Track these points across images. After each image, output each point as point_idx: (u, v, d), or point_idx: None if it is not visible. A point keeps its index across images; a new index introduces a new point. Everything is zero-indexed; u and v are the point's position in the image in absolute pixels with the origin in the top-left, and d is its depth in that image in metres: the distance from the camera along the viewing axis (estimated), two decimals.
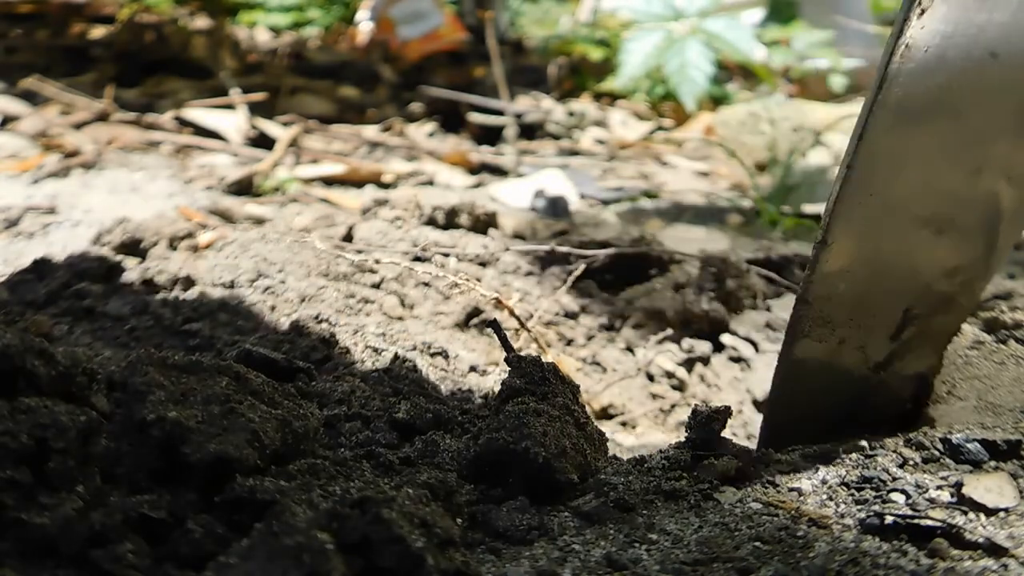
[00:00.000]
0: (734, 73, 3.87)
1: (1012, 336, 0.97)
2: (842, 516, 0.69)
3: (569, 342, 1.35)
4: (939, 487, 0.71)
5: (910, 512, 0.68)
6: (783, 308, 1.45)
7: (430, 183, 2.34)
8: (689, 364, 1.34)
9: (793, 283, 1.46)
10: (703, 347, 1.35)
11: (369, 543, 0.54)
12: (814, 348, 0.80)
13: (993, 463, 0.74)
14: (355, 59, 3.77)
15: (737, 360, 1.37)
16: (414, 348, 1.08)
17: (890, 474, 0.73)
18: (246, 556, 0.51)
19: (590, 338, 1.36)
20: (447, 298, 1.32)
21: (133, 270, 1.24)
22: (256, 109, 2.71)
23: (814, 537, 0.65)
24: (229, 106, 2.70)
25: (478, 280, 1.35)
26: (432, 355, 1.09)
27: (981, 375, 0.95)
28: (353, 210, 1.80)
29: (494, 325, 0.88)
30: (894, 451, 0.76)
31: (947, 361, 1.01)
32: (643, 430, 1.20)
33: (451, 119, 3.11)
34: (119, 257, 1.30)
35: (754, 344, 1.39)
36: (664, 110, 3.66)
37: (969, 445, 0.75)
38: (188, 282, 1.19)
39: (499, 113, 2.98)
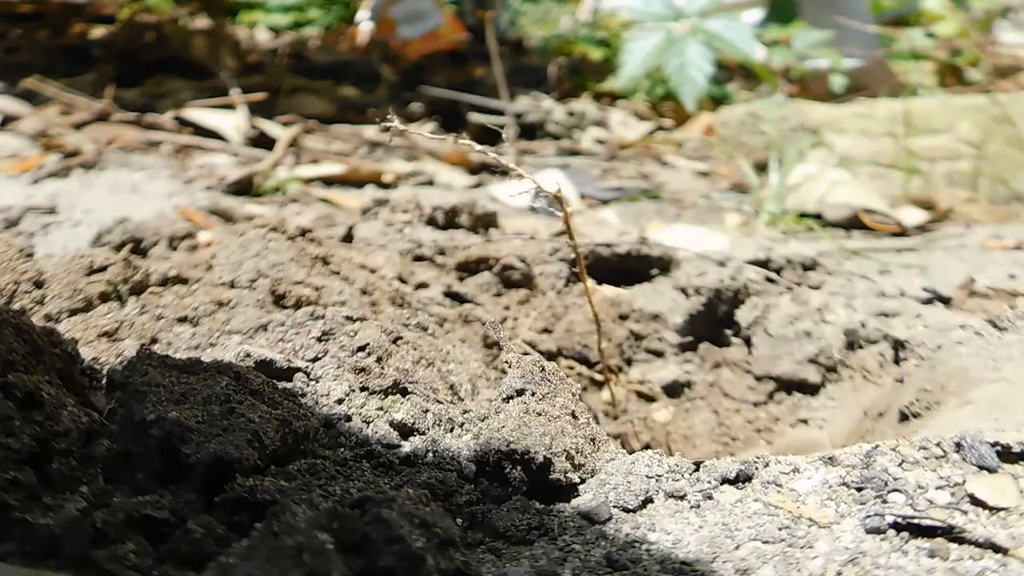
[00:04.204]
0: (734, 73, 3.88)
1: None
2: (842, 516, 0.69)
3: None
4: (939, 487, 0.71)
5: (910, 512, 0.68)
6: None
7: (430, 183, 2.34)
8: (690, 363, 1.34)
9: (793, 283, 1.46)
10: (703, 347, 1.35)
11: (369, 543, 0.54)
12: None
13: (997, 464, 0.74)
14: (355, 59, 3.77)
15: None
16: (414, 347, 1.08)
17: (890, 474, 0.73)
18: (246, 556, 0.51)
19: None
20: (446, 296, 1.32)
21: None
22: (256, 109, 2.71)
23: (814, 537, 0.66)
24: (229, 106, 2.70)
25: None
26: (433, 354, 1.08)
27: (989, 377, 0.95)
28: (353, 210, 1.80)
29: (493, 325, 0.88)
30: (894, 451, 0.76)
31: (956, 363, 1.01)
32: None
33: (451, 119, 3.11)
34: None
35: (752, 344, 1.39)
36: (664, 110, 3.66)
37: (980, 447, 0.75)
38: (188, 282, 1.19)
39: (499, 113, 2.98)
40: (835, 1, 3.61)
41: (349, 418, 0.81)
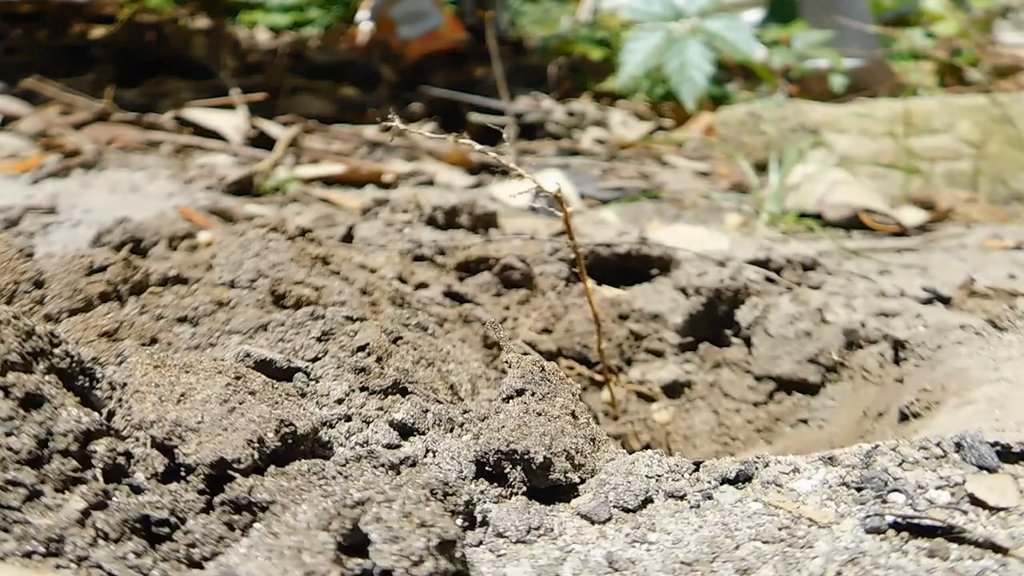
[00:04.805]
0: (734, 73, 3.88)
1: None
2: (842, 516, 0.69)
3: None
4: (939, 487, 0.71)
5: (910, 512, 0.68)
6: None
7: (430, 183, 2.34)
8: (690, 363, 1.34)
9: (793, 283, 1.46)
10: (703, 347, 1.35)
11: (369, 543, 0.54)
12: None
13: (997, 464, 0.74)
14: (355, 59, 3.77)
15: None
16: (414, 347, 1.08)
17: (890, 474, 0.73)
18: (246, 556, 0.51)
19: None
20: (446, 296, 1.32)
21: None
22: (256, 109, 2.71)
23: (814, 537, 0.66)
24: (229, 106, 2.70)
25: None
26: (433, 354, 1.08)
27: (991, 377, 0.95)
28: (353, 210, 1.80)
29: (493, 325, 0.88)
30: (894, 451, 0.76)
31: (956, 363, 1.01)
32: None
33: (451, 119, 3.11)
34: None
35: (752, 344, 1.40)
36: (664, 110, 3.66)
37: (980, 447, 0.75)
38: (188, 282, 1.19)
39: (499, 113, 2.98)
40: (835, 1, 3.61)
41: (349, 418, 0.81)
